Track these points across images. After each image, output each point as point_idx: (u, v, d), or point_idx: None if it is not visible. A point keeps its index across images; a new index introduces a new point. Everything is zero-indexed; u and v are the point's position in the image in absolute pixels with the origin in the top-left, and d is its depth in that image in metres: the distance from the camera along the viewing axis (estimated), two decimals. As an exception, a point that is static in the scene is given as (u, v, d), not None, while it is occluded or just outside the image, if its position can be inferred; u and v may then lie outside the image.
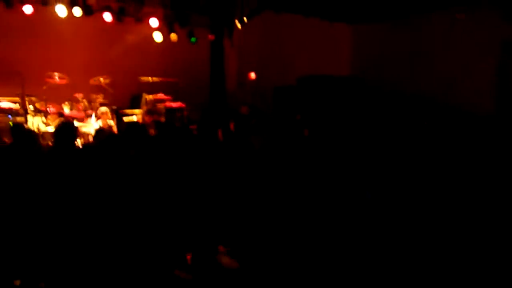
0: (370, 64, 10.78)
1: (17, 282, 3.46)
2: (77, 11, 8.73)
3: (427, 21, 9.95)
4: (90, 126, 7.97)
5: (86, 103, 8.60)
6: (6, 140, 6.63)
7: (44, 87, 8.23)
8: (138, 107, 9.22)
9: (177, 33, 9.93)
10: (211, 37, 10.52)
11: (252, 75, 10.63)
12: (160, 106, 9.17)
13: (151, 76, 9.39)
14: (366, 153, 6.48)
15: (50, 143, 5.74)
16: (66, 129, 4.36)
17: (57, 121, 7.97)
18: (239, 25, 9.89)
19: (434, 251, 3.85)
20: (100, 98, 8.73)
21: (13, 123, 7.10)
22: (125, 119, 8.78)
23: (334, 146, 6.68)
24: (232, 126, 5.89)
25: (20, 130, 4.91)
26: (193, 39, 10.18)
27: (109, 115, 8.08)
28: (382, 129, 8.16)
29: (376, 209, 4.63)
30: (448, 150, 6.82)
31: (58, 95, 8.51)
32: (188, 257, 3.93)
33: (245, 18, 9.78)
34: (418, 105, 9.31)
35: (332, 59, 10.80)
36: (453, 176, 5.59)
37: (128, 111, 9.06)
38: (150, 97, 9.13)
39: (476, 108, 8.80)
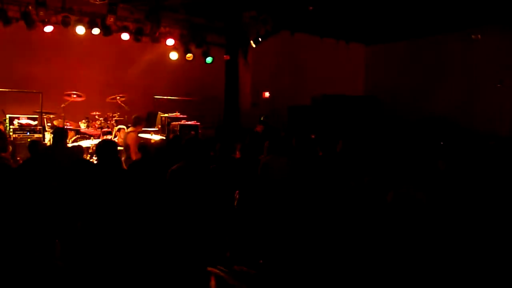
0: (384, 84, 10.78)
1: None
2: (96, 32, 8.93)
3: (443, 41, 9.95)
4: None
5: (102, 120, 8.71)
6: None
7: (62, 105, 8.37)
8: (153, 125, 9.30)
9: (192, 53, 10.07)
10: (226, 57, 10.65)
11: (266, 94, 10.69)
12: (175, 124, 9.24)
13: (166, 95, 9.51)
14: (381, 172, 6.42)
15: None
16: (108, 146, 4.42)
17: (73, 138, 8.08)
18: (254, 45, 9.99)
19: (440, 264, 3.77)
20: (116, 116, 8.84)
21: (31, 140, 7.20)
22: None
23: (348, 165, 6.64)
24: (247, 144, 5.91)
25: (37, 146, 5.00)
26: (208, 60, 10.30)
27: (124, 132, 8.14)
28: (396, 149, 8.10)
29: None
30: (463, 170, 6.73)
31: (75, 113, 8.66)
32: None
33: (260, 38, 9.88)
34: (434, 125, 9.23)
35: (346, 79, 10.83)
36: (467, 195, 5.49)
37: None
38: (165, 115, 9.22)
39: (492, 129, 8.71)
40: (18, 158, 7.00)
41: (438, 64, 10.09)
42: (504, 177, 6.11)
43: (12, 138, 7.51)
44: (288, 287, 3.54)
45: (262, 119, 9.41)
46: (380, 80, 11.06)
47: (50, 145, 6.38)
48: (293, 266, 3.95)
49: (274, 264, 3.97)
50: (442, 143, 8.63)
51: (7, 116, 8.10)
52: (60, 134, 5.37)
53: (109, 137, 8.25)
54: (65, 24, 8.61)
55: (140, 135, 8.52)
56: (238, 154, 6.50)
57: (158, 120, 9.31)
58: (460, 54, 9.72)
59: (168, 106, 9.63)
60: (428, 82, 10.10)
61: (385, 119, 9.45)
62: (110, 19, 8.80)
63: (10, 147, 7.29)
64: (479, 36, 9.36)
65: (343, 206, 5.01)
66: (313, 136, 7.76)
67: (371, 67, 11.60)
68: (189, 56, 10.03)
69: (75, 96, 8.56)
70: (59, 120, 8.29)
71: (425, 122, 9.39)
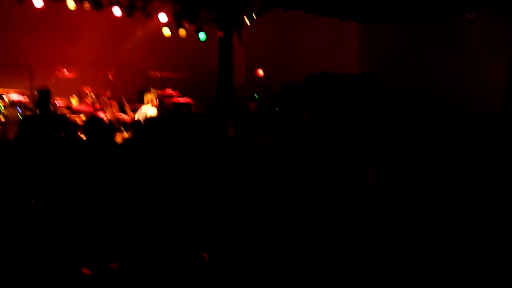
0: (379, 63, 10.74)
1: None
2: (87, 6, 8.73)
3: (438, 21, 9.90)
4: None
5: (93, 97, 8.62)
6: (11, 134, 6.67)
7: (53, 81, 8.26)
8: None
9: (185, 29, 9.92)
10: (219, 33, 10.50)
11: (260, 72, 10.61)
12: (168, 101, 9.17)
13: (159, 71, 9.41)
14: (373, 151, 6.46)
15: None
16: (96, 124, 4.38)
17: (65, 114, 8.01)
18: (248, 22, 9.86)
19: (435, 250, 3.83)
20: (107, 92, 8.75)
21: (23, 116, 7.12)
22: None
23: (341, 144, 6.66)
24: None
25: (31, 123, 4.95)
26: (201, 36, 10.14)
27: (117, 108, 8.10)
28: (389, 127, 8.12)
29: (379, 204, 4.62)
30: (455, 149, 6.78)
31: (66, 89, 8.55)
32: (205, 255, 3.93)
33: (254, 15, 9.74)
34: (427, 104, 9.25)
35: (341, 57, 10.75)
36: (458, 175, 5.55)
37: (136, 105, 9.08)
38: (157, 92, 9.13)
39: (485, 109, 8.75)
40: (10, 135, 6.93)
41: (433, 44, 10.06)
42: (493, 156, 6.17)
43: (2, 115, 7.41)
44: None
45: (256, 97, 9.36)
46: (375, 59, 11.01)
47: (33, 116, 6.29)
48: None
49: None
50: (434, 122, 8.67)
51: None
52: (43, 96, 5.24)
53: (101, 113, 8.20)
54: (55, -2, 8.41)
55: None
56: (231, 132, 6.49)
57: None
58: (454, 35, 9.69)
59: (161, 83, 9.53)
60: (422, 61, 10.09)
61: (379, 97, 9.45)
62: (101, -7, 8.62)
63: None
64: (474, 15, 9.34)
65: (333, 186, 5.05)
66: (306, 115, 7.76)
67: (365, 46, 11.53)
68: (182, 31, 9.88)
69: (66, 71, 8.46)
70: (50, 96, 8.17)
71: (418, 102, 9.40)
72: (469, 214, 4.50)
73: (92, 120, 4.40)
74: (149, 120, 4.96)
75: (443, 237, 4.08)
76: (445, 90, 9.46)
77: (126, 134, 7.29)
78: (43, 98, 5.25)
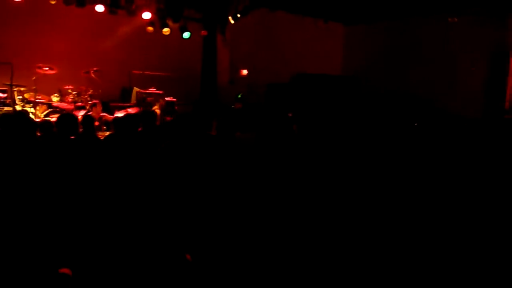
0: (362, 64, 10.83)
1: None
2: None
3: (421, 24, 10.04)
4: None
5: (75, 95, 8.49)
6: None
7: (34, 78, 8.12)
8: (128, 100, 9.15)
9: (169, 27, 9.86)
10: (203, 32, 10.47)
11: (244, 71, 10.61)
12: (151, 100, 9.10)
13: (143, 69, 9.33)
14: (355, 151, 6.51)
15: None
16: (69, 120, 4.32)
17: (45, 112, 7.88)
18: (232, 21, 9.85)
19: (416, 248, 3.87)
20: (89, 90, 8.63)
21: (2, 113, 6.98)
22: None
23: (324, 144, 6.69)
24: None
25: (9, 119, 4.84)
26: (185, 35, 10.09)
27: (100, 107, 8.01)
28: (372, 128, 8.20)
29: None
30: (435, 150, 6.88)
31: (47, 86, 8.41)
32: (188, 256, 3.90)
33: (238, 14, 9.74)
34: (409, 106, 9.37)
35: (325, 58, 10.83)
36: (439, 175, 5.63)
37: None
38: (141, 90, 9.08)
39: (465, 110, 8.90)
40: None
41: (416, 46, 10.18)
42: (472, 157, 6.28)
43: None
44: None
45: (239, 96, 9.35)
46: (358, 60, 11.11)
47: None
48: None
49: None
50: (416, 124, 8.78)
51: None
52: None
53: (82, 112, 8.08)
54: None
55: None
56: (213, 131, 6.46)
57: (133, 96, 9.15)
58: (436, 37, 9.83)
59: (144, 82, 9.45)
60: (406, 63, 10.21)
61: (362, 98, 9.53)
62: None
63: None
64: (455, 19, 9.48)
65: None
66: (290, 115, 7.77)
67: (349, 47, 11.62)
68: (166, 30, 9.82)
69: (47, 68, 8.32)
70: (30, 93, 8.05)
71: (401, 103, 9.52)
72: (448, 211, 4.56)
73: (65, 117, 4.32)
74: (128, 117, 4.90)
75: (423, 232, 4.13)
76: (427, 91, 9.60)
77: (107, 133, 7.22)
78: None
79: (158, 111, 8.43)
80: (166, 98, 9.16)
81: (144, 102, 8.80)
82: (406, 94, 9.69)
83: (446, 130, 8.08)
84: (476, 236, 4.02)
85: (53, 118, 6.81)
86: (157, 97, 9.03)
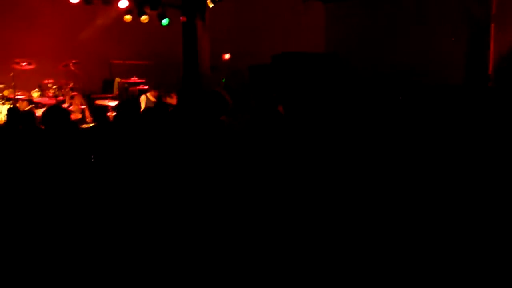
0: (344, 41, 10.79)
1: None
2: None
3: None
4: None
5: (56, 89, 8.35)
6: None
7: (11, 74, 7.95)
8: (110, 91, 9.03)
9: (148, 15, 9.70)
10: (183, 18, 10.31)
11: (227, 56, 10.51)
12: (133, 89, 9.00)
13: (123, 59, 9.20)
14: (342, 130, 6.50)
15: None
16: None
17: (27, 108, 7.74)
18: (211, 5, 9.72)
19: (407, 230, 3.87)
20: (70, 84, 8.49)
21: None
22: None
23: (310, 123, 6.68)
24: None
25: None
26: (164, 22, 9.95)
27: (81, 100, 7.90)
28: (357, 105, 8.19)
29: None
30: (421, 121, 6.90)
31: (27, 82, 8.25)
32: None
33: (216, -3, 9.62)
34: (393, 80, 9.38)
35: (306, 36, 10.75)
36: (425, 146, 5.65)
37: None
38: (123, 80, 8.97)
39: (447, 80, 8.95)
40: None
41: (396, 20, 10.16)
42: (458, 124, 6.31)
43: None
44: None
45: (223, 81, 9.28)
46: (340, 36, 11.05)
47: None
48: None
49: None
50: (400, 97, 8.79)
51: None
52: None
53: (65, 105, 7.96)
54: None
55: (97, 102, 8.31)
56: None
57: (115, 86, 9.03)
58: (416, 9, 9.81)
59: (125, 71, 9.32)
60: (387, 37, 10.18)
61: (346, 75, 9.51)
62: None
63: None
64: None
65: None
66: (274, 95, 7.71)
67: (330, 24, 11.55)
68: (144, 18, 9.66)
69: (25, 63, 8.15)
70: (10, 90, 7.89)
71: (384, 77, 9.52)
72: (438, 186, 4.58)
73: (52, 109, 4.24)
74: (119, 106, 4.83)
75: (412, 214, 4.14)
76: (410, 64, 9.60)
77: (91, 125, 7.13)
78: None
79: (152, 98, 8.35)
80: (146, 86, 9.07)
81: (126, 92, 8.69)
82: (389, 69, 9.69)
83: (430, 100, 8.10)
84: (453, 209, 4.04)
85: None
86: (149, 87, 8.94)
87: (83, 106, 8.01)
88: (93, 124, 7.21)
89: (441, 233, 3.64)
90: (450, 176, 4.68)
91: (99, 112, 5.61)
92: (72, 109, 7.65)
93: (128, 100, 8.26)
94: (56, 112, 4.17)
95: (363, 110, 7.88)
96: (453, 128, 6.29)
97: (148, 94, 8.50)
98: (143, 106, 7.89)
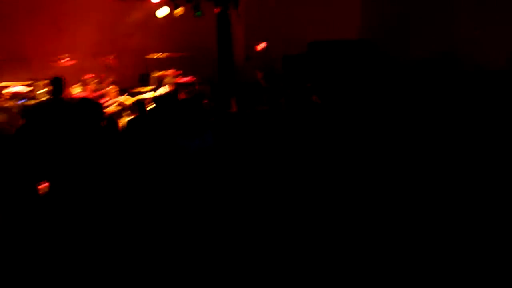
0: (381, 27, 10.45)
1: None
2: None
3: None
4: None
5: (95, 83, 8.61)
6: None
7: (53, 70, 8.23)
8: (147, 84, 9.20)
9: (182, 7, 9.78)
10: (216, 9, 10.33)
11: (261, 46, 10.47)
12: (170, 82, 9.12)
13: (159, 52, 9.35)
14: (378, 119, 6.37)
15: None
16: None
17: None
18: (244, -5, 9.69)
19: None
20: (109, 78, 8.72)
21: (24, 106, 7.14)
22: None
23: (345, 113, 6.58)
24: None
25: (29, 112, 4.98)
26: (198, 13, 9.99)
27: (117, 93, 8.10)
28: (394, 93, 7.99)
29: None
30: (462, 109, 6.66)
31: (67, 77, 8.53)
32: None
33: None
34: (433, 67, 9.05)
35: (342, 23, 10.50)
36: (471, 139, 5.45)
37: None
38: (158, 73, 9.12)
39: (491, 65, 8.51)
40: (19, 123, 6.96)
41: (439, 4, 9.66)
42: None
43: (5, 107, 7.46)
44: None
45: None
46: (376, 22, 10.72)
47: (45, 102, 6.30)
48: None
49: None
50: (440, 86, 8.49)
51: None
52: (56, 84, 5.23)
53: (103, 99, 8.18)
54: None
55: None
56: (234, 108, 6.45)
57: (152, 79, 9.20)
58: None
59: (162, 64, 9.48)
60: (426, 23, 9.75)
61: (382, 63, 9.24)
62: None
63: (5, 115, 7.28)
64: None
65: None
66: (309, 85, 7.64)
67: (366, 10, 11.21)
68: (178, 11, 9.75)
69: (65, 60, 8.44)
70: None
71: (424, 65, 9.19)
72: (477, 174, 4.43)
73: (86, 102, 4.35)
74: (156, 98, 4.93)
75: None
76: (453, 51, 9.19)
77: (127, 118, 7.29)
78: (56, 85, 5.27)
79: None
80: (184, 78, 9.18)
81: (162, 85, 8.83)
82: (430, 55, 9.31)
83: (472, 86, 7.79)
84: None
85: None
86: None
87: (121, 99, 8.20)
88: (132, 116, 7.36)
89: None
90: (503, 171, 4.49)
91: (137, 105, 5.73)
92: (111, 103, 7.84)
93: (168, 93, 8.38)
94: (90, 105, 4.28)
95: (399, 99, 7.67)
96: (501, 118, 6.03)
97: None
98: None
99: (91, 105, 4.21)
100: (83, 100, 4.51)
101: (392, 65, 9.26)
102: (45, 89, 8.03)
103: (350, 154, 5.13)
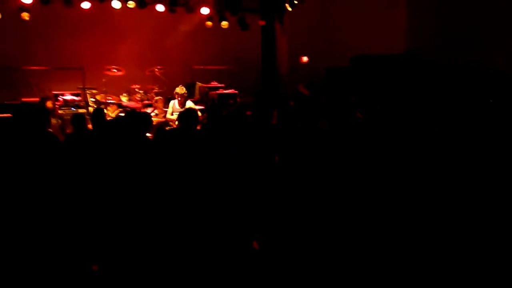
0: (427, 39, 10.17)
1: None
2: (131, 5, 9.03)
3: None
4: None
5: (142, 93, 8.88)
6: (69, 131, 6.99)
7: (103, 80, 8.58)
8: (192, 95, 9.38)
9: (228, 20, 9.96)
10: (261, 22, 10.45)
11: (305, 58, 10.46)
12: (213, 93, 9.28)
13: (203, 64, 9.54)
14: (425, 135, 6.18)
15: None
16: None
17: (116, 111, 8.28)
18: (289, 8, 9.74)
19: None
20: (155, 88, 8.97)
21: (74, 114, 7.43)
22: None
23: (390, 128, 6.43)
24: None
25: (79, 120, 5.19)
26: (244, 27, 10.11)
27: (163, 103, 8.28)
28: (442, 109, 7.74)
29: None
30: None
31: (116, 87, 8.86)
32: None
33: (295, 1, 9.61)
34: (483, 81, 8.70)
35: (386, 36, 10.33)
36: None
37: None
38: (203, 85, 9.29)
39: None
40: (67, 131, 7.28)
41: (493, 7, 9.21)
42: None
43: (59, 114, 7.82)
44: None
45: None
46: (423, 34, 10.44)
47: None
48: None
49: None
50: (491, 100, 8.15)
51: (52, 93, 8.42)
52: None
53: (149, 109, 8.40)
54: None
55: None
56: (274, 120, 6.43)
57: (196, 90, 9.38)
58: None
59: (206, 76, 9.66)
60: (476, 32, 9.38)
61: (429, 77, 8.98)
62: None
63: (59, 121, 7.63)
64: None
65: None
66: (353, 99, 7.54)
67: (412, 22, 10.94)
68: (224, 24, 9.93)
69: (115, 70, 8.76)
70: (101, 94, 8.51)
71: (473, 78, 8.84)
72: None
73: (134, 114, 4.48)
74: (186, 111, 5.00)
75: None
76: (505, 63, 8.80)
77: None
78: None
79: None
80: (226, 91, 9.30)
81: (206, 96, 8.99)
82: (484, 67, 8.92)
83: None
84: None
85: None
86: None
87: (166, 109, 8.39)
88: (176, 126, 7.50)
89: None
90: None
91: (183, 115, 5.84)
92: (156, 112, 8.04)
93: (215, 104, 8.52)
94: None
95: (447, 115, 7.42)
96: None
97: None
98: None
99: (139, 117, 4.32)
100: (131, 112, 4.66)
101: (439, 79, 8.98)
102: (93, 99, 8.39)
103: (391, 173, 5.00)
